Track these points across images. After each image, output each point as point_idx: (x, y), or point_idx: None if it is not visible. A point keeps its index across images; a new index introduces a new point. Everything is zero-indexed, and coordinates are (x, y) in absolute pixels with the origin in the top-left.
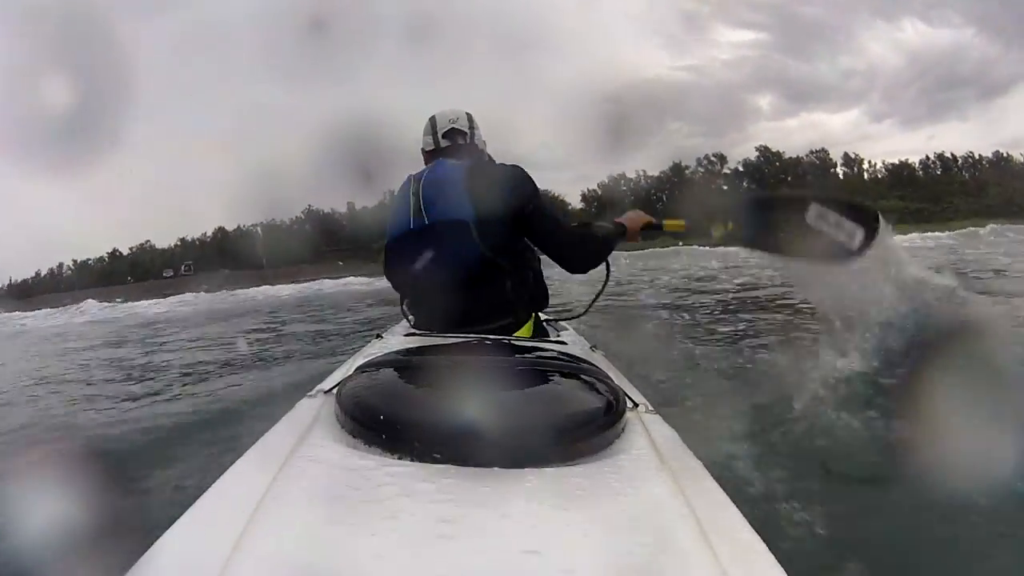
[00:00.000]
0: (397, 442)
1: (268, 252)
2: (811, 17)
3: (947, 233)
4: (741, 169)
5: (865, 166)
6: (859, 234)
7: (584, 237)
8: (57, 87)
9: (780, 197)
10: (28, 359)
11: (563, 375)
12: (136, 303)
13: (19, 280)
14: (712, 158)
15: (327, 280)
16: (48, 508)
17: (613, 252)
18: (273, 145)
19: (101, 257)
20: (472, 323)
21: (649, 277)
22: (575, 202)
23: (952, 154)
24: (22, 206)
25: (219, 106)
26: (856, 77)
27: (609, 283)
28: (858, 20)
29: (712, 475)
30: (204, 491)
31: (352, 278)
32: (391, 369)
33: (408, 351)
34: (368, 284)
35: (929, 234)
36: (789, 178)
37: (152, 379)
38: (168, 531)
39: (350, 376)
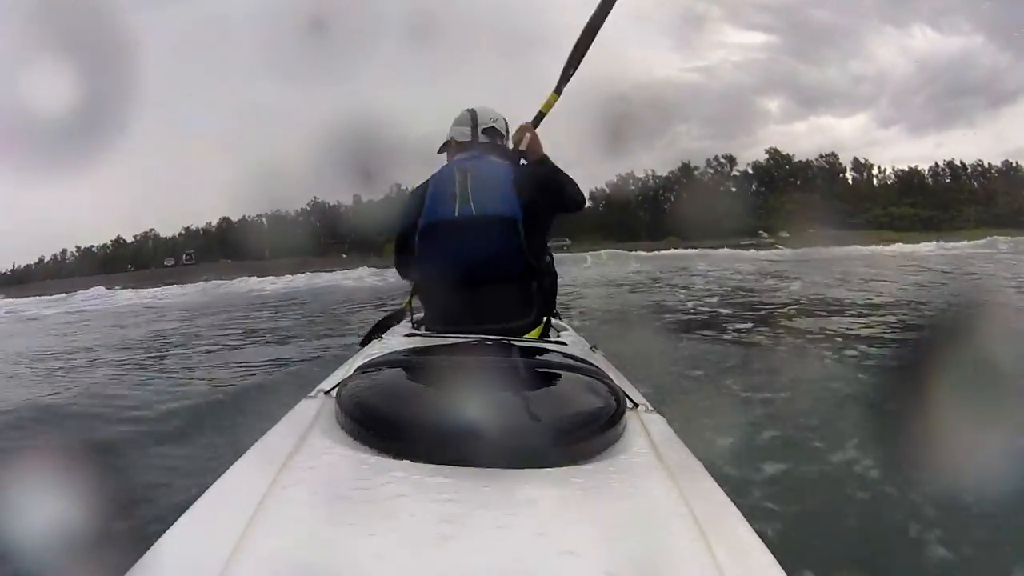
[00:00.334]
0: (397, 443)
1: (272, 243)
2: (821, 21)
3: (965, 243)
4: (750, 171)
5: (875, 172)
6: None
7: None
8: (65, 74)
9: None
10: None
11: (563, 376)
12: (123, 291)
13: (21, 266)
14: (721, 159)
15: (339, 272)
16: (46, 507)
17: None
18: (281, 137)
19: (105, 244)
20: (493, 319)
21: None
22: None
23: (962, 162)
24: (28, 192)
25: (228, 96)
26: (865, 82)
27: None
28: (868, 25)
29: (712, 475)
30: (204, 491)
31: (365, 269)
32: (391, 370)
33: (408, 352)
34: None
35: (949, 244)
36: (798, 181)
37: (149, 366)
38: (168, 531)
39: (350, 377)
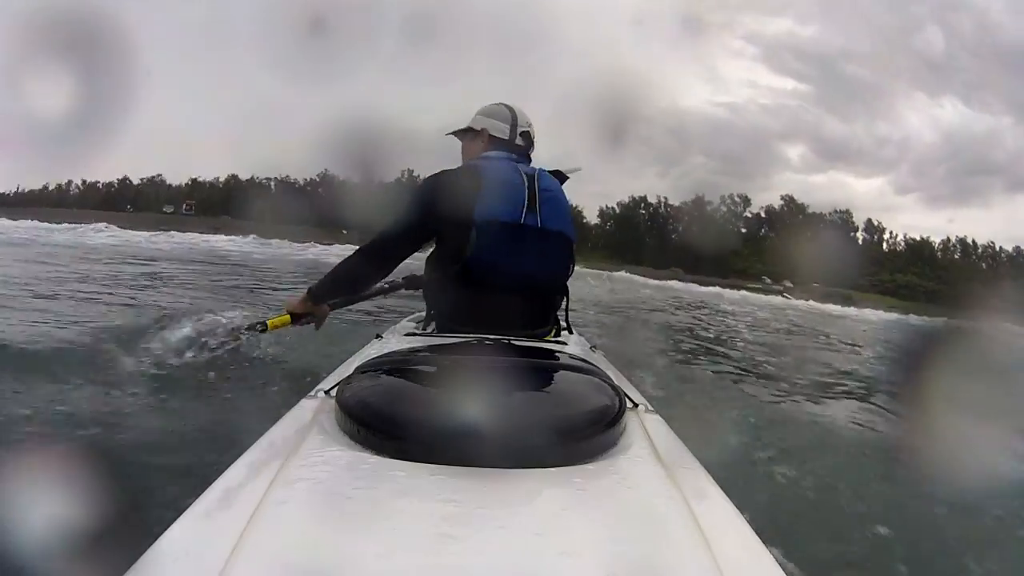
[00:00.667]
0: (397, 443)
1: (275, 207)
2: (855, 77)
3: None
4: (763, 215)
5: (886, 236)
6: None
7: None
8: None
9: None
10: None
11: (564, 376)
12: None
13: (25, 190)
14: (736, 198)
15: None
16: (43, 506)
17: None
18: (306, 105)
19: (111, 182)
20: (514, 328)
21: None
22: (592, 217)
23: (973, 240)
24: (42, 117)
25: (260, 57)
26: (889, 145)
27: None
28: (900, 89)
29: (711, 475)
30: (204, 491)
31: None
32: (391, 370)
33: (408, 352)
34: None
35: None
36: (809, 233)
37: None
38: (168, 531)
39: (350, 377)
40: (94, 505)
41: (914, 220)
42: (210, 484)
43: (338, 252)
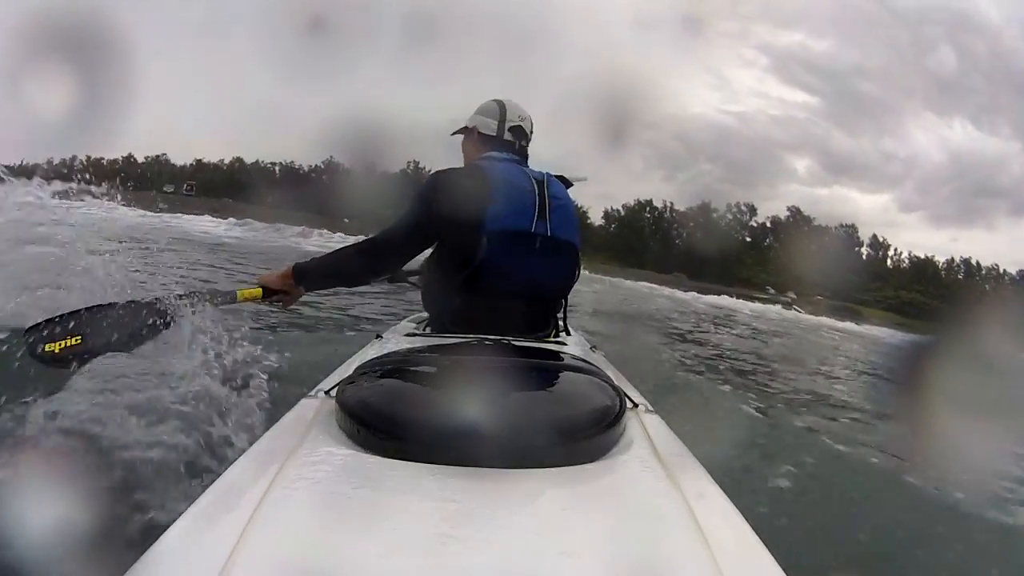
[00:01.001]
0: (397, 443)
1: (277, 192)
2: (866, 94)
3: None
4: (769, 225)
5: (890, 253)
6: None
7: None
8: None
9: None
10: None
11: (564, 376)
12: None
13: (30, 163)
14: (743, 207)
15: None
16: (42, 506)
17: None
18: (314, 92)
19: (116, 159)
20: (514, 331)
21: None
22: (596, 218)
23: (977, 261)
24: (53, 90)
25: (274, 40)
26: (896, 162)
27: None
28: (910, 107)
29: (711, 475)
30: (204, 491)
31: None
32: (391, 370)
33: (408, 352)
34: None
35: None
36: (814, 246)
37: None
38: (168, 531)
39: (350, 377)
40: (94, 505)
41: (917, 238)
42: (210, 484)
43: (332, 239)
